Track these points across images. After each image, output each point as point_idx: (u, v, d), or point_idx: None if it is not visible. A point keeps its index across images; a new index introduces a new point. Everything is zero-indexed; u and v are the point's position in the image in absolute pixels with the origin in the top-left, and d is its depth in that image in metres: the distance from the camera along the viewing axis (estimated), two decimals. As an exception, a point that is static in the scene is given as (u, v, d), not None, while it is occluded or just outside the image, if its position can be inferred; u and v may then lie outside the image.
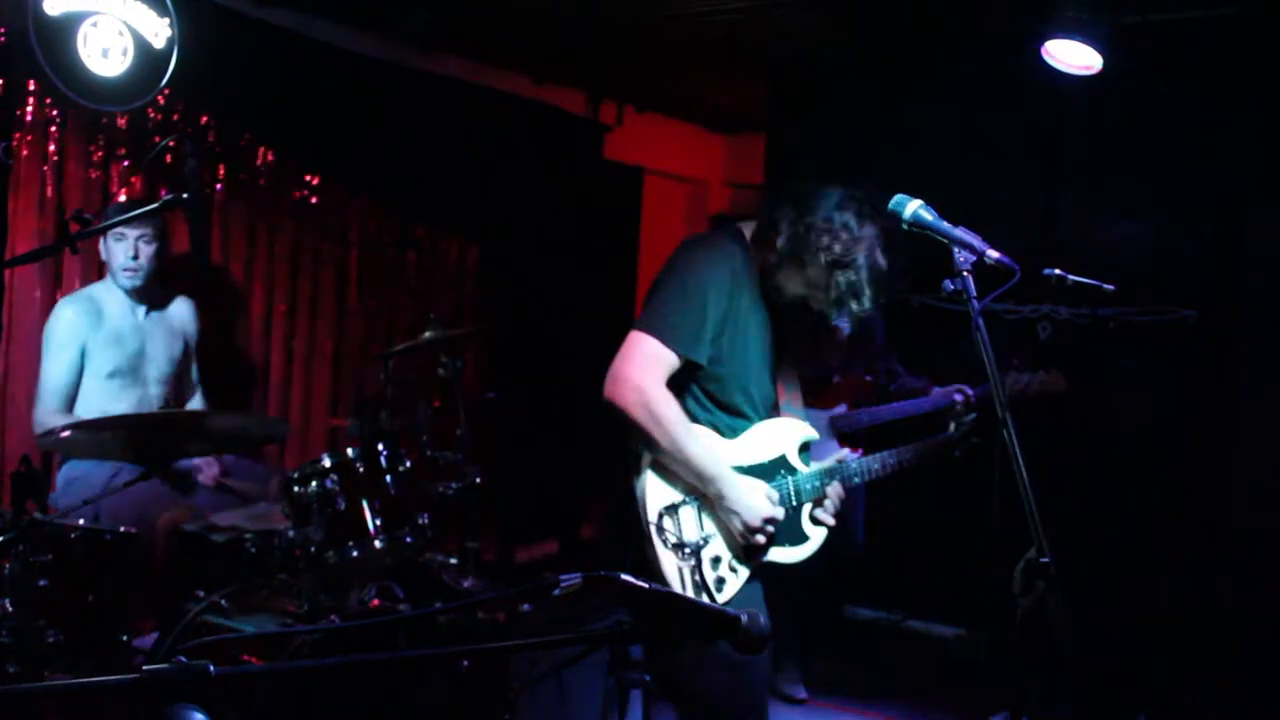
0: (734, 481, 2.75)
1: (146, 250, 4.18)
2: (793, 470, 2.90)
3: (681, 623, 1.62)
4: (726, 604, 2.79)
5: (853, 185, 2.76)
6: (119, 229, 4.10)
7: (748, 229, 2.90)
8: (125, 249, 4.15)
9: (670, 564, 2.72)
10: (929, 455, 3.03)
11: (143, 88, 4.31)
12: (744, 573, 2.82)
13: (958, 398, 4.40)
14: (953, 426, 3.09)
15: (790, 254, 2.76)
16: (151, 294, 4.30)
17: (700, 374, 2.80)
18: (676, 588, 2.71)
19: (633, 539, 2.73)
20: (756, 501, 2.76)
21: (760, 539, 2.77)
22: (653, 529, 2.71)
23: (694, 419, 2.79)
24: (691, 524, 2.77)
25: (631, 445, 2.77)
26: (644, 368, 2.70)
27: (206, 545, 3.74)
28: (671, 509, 2.75)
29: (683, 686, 2.83)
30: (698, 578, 2.73)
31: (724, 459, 2.79)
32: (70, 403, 4.11)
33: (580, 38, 5.95)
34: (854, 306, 2.76)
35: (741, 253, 2.84)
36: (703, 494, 2.78)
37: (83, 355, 4.12)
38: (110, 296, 4.21)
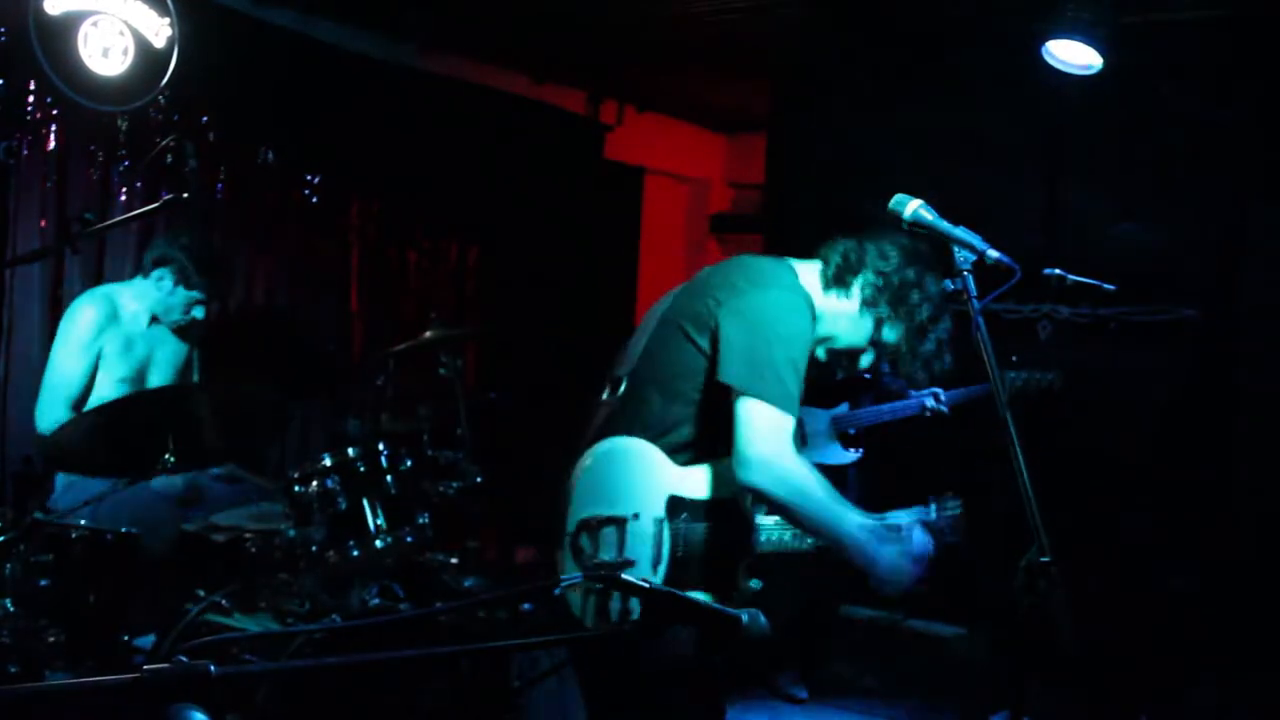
0: (884, 555, 2.58)
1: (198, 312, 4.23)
2: (740, 513, 2.74)
3: (681, 622, 1.62)
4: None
5: (917, 238, 2.65)
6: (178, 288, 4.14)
7: (800, 269, 2.77)
8: (182, 304, 4.18)
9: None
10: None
11: (143, 88, 4.31)
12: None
13: (928, 401, 4.38)
14: (934, 512, 2.80)
15: (873, 303, 2.67)
16: None
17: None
18: (576, 608, 2.56)
19: (551, 542, 2.64)
20: (909, 570, 2.60)
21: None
22: (568, 539, 2.60)
23: (698, 444, 2.66)
24: (611, 544, 2.62)
25: (577, 448, 2.67)
26: (781, 444, 2.53)
27: (206, 545, 3.74)
28: (593, 524, 2.62)
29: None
30: (600, 604, 2.55)
31: (865, 526, 2.59)
32: (80, 405, 4.04)
33: (580, 38, 5.95)
34: (934, 370, 2.69)
35: (806, 294, 2.71)
36: (629, 517, 2.62)
37: (98, 358, 4.10)
38: (126, 300, 4.19)
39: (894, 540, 2.61)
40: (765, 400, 2.52)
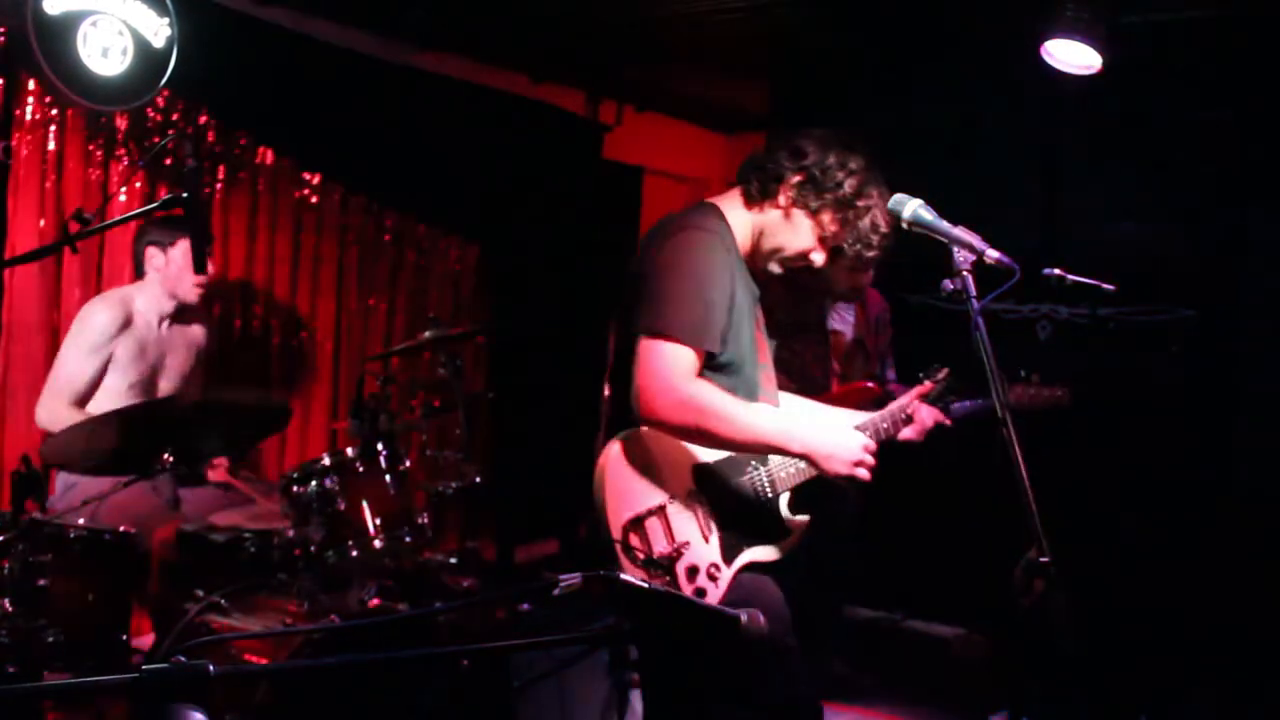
0: (815, 433, 2.58)
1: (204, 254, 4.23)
2: (764, 459, 2.74)
3: (681, 621, 1.62)
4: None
5: (830, 128, 2.72)
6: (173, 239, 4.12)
7: (723, 202, 2.80)
8: (178, 257, 4.16)
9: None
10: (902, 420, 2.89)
11: (143, 87, 4.30)
12: (726, 577, 2.66)
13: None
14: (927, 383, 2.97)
15: (803, 200, 2.67)
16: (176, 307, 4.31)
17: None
18: None
19: (604, 556, 2.58)
20: (847, 441, 2.60)
21: (864, 473, 2.60)
22: (619, 547, 2.56)
23: None
24: (660, 536, 2.60)
25: (599, 453, 2.63)
26: (668, 372, 2.51)
27: (206, 545, 3.74)
28: (636, 523, 2.58)
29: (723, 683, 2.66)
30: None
31: (786, 415, 2.67)
32: (83, 402, 4.04)
33: (580, 38, 5.95)
34: (874, 243, 2.67)
35: (725, 228, 2.71)
36: (665, 503, 2.61)
37: (108, 361, 4.08)
38: (140, 304, 4.19)
39: (814, 422, 2.65)
40: (659, 335, 2.53)
